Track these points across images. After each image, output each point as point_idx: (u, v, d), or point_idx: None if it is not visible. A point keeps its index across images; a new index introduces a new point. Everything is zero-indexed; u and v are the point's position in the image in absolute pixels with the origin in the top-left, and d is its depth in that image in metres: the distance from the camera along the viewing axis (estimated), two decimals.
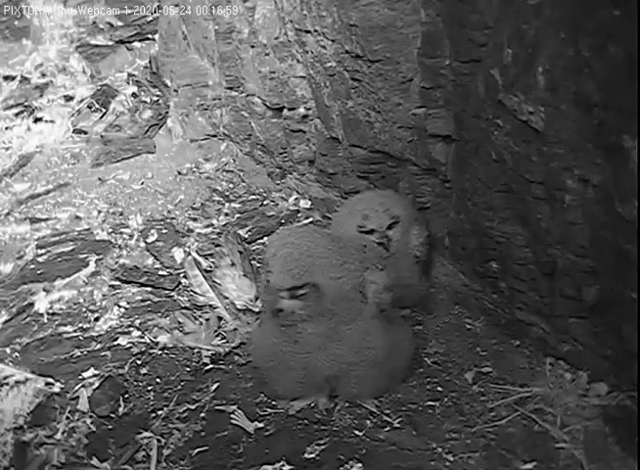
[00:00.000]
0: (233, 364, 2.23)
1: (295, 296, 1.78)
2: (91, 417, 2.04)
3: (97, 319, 2.46)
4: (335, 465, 1.82)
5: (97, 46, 4.14)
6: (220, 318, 2.40)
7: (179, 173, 3.35)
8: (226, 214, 3.05)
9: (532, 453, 1.81)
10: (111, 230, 2.96)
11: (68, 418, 2.04)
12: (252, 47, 2.88)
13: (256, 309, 2.40)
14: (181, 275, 2.66)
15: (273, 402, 2.06)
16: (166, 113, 3.69)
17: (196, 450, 1.92)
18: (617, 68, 1.50)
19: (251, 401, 2.07)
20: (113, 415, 2.05)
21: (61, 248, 2.84)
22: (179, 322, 2.40)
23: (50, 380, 2.17)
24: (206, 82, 3.38)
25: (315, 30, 2.44)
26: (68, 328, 2.42)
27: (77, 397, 2.12)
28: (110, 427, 2.01)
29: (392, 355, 1.95)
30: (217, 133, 3.44)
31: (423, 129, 2.27)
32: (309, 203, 3.03)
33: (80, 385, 2.15)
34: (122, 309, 2.50)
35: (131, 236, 2.92)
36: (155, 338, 2.35)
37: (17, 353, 2.31)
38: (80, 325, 2.44)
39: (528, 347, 2.16)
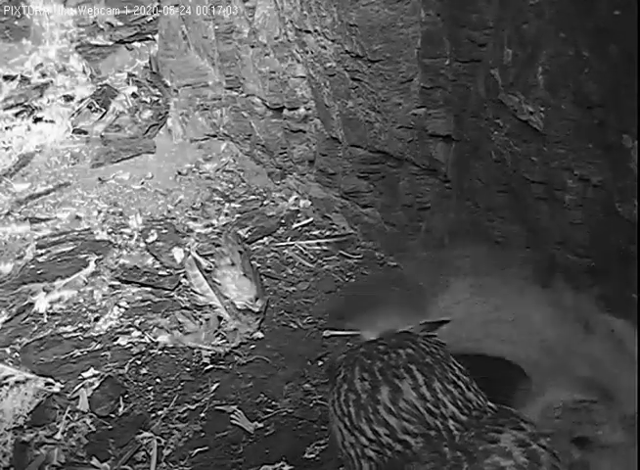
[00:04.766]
0: (233, 364, 2.23)
1: None
2: (91, 417, 2.04)
3: (97, 319, 2.45)
4: (335, 465, 1.82)
5: (97, 46, 4.14)
6: (220, 318, 2.40)
7: (179, 173, 3.35)
8: (226, 214, 3.05)
9: None
10: (111, 230, 2.96)
11: (68, 418, 2.04)
12: (252, 47, 2.87)
13: (256, 309, 2.40)
14: (181, 275, 2.66)
15: (273, 402, 2.06)
16: (166, 113, 3.69)
17: (196, 450, 1.92)
18: (616, 68, 1.50)
19: (251, 401, 2.07)
20: (113, 415, 2.05)
21: (61, 248, 2.84)
22: (179, 322, 2.40)
23: (50, 380, 2.17)
24: (206, 82, 3.37)
25: (315, 30, 2.44)
26: (68, 328, 2.42)
27: (77, 397, 2.12)
28: (110, 427, 2.02)
29: None
30: (217, 133, 3.44)
31: (423, 129, 2.27)
32: (309, 203, 3.03)
33: (80, 385, 2.16)
34: (122, 309, 2.50)
35: (131, 236, 2.92)
36: (155, 338, 2.35)
37: (17, 353, 2.31)
38: (80, 325, 2.44)
39: None
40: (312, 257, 2.75)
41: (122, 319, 2.45)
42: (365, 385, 1.00)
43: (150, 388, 2.15)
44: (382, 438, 0.96)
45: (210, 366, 2.22)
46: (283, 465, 1.85)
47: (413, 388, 0.97)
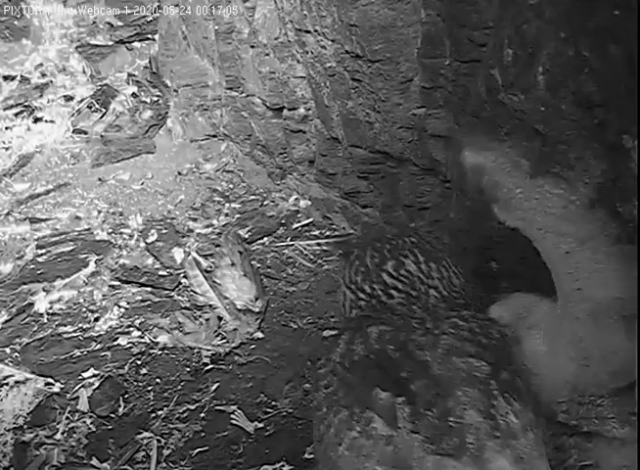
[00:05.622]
0: (233, 364, 2.23)
1: None
2: (91, 417, 2.04)
3: (97, 319, 2.46)
4: None
5: (97, 46, 4.14)
6: (220, 318, 2.40)
7: (179, 173, 3.35)
8: (226, 215, 3.05)
9: None
10: (111, 230, 2.96)
11: (68, 418, 2.04)
12: (252, 47, 2.87)
13: (256, 309, 2.40)
14: (181, 275, 2.66)
15: (273, 402, 2.06)
16: (166, 113, 3.69)
17: (196, 450, 1.92)
18: (616, 68, 1.50)
19: (251, 401, 2.07)
20: (113, 415, 2.05)
21: (61, 248, 2.84)
22: (179, 322, 2.40)
23: (50, 380, 2.17)
24: (206, 82, 3.37)
25: (315, 30, 2.44)
26: (68, 328, 2.42)
27: (77, 397, 2.12)
28: (110, 427, 2.02)
29: None
30: (217, 133, 3.44)
31: (423, 129, 2.27)
32: (309, 203, 3.03)
33: (80, 385, 2.16)
34: (122, 309, 2.50)
35: (131, 236, 2.92)
36: (155, 338, 2.35)
37: (17, 353, 2.31)
38: (80, 325, 2.44)
39: None
40: (312, 257, 2.75)
41: (122, 319, 2.45)
42: (374, 260, 1.23)
43: (150, 388, 2.15)
44: (375, 291, 1.19)
45: (210, 366, 2.22)
46: (283, 465, 1.85)
47: (414, 262, 1.22)
